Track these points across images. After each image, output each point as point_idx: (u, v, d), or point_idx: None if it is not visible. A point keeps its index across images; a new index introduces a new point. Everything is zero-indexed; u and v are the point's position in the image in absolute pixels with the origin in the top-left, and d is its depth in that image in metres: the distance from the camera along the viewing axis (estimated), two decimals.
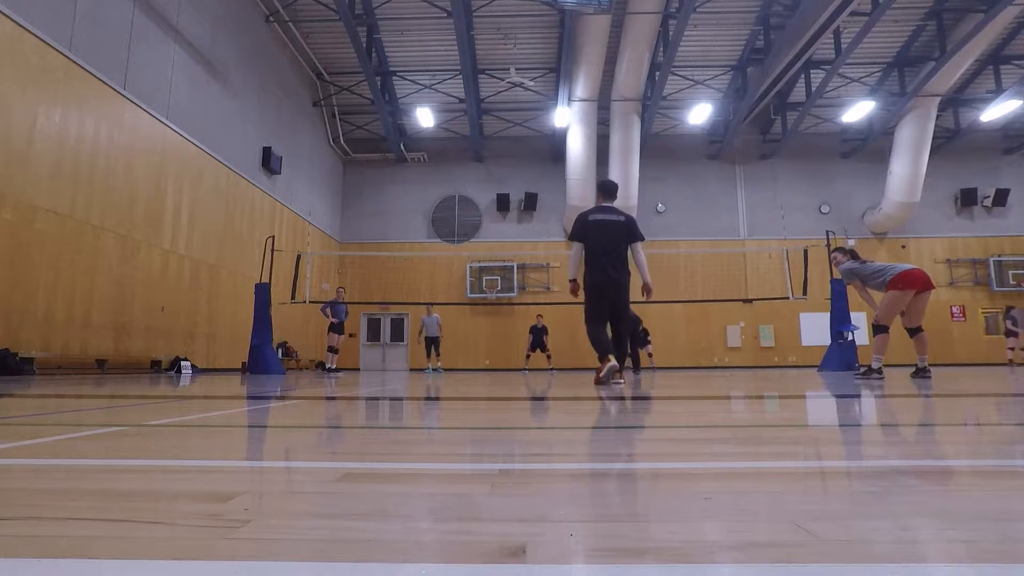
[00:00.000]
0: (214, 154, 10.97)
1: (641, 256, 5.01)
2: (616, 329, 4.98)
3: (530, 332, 14.34)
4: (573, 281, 5.15)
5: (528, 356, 14.31)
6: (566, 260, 17.36)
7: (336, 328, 11.65)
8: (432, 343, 13.73)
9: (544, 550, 0.58)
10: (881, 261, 6.08)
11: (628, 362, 14.57)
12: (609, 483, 0.95)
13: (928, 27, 14.40)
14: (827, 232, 10.98)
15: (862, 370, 5.88)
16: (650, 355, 13.64)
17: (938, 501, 0.79)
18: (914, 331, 5.79)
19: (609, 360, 4.55)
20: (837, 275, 10.37)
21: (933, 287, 5.74)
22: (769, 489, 0.88)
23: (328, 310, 11.68)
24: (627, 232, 4.95)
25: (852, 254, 6.20)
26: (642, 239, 5.02)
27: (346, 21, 11.68)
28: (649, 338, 13.49)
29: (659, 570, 0.53)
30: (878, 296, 5.90)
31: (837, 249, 6.47)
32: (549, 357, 14.29)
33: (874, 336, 5.85)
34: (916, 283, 5.61)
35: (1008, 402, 2.68)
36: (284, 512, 0.76)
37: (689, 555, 0.56)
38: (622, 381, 4.55)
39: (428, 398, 3.44)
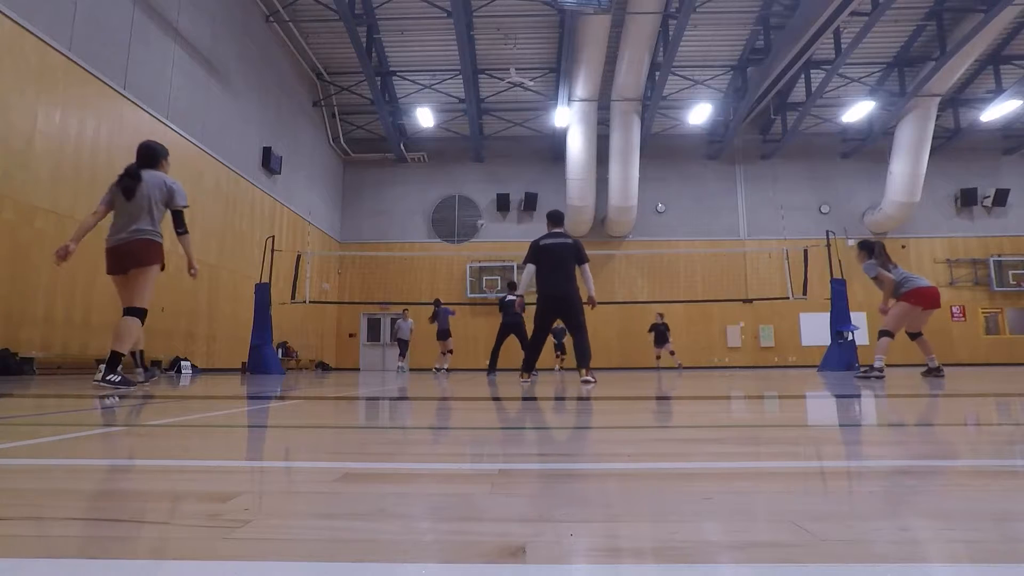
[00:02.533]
0: (214, 154, 10.97)
1: (587, 274, 5.62)
2: (575, 338, 5.47)
3: (552, 334, 15.49)
4: (520, 297, 5.92)
5: (559, 357, 15.28)
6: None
7: (440, 335, 12.54)
8: (403, 345, 14.12)
9: (544, 550, 0.58)
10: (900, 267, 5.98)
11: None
12: (609, 483, 0.95)
13: (928, 27, 14.39)
14: (827, 232, 10.98)
15: (863, 370, 5.93)
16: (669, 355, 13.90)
17: (938, 501, 0.79)
18: (914, 335, 5.91)
19: (527, 377, 5.61)
20: (837, 275, 10.41)
21: (940, 306, 5.85)
22: (769, 489, 0.88)
23: (435, 320, 12.57)
24: (574, 254, 5.57)
25: (871, 251, 6.04)
26: (587, 261, 5.62)
27: (346, 21, 11.68)
28: (672, 339, 13.92)
29: (659, 570, 0.53)
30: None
31: (863, 244, 6.27)
32: (562, 358, 15.18)
33: (878, 339, 5.90)
34: (929, 302, 5.75)
35: (1008, 402, 2.68)
36: (284, 512, 0.76)
37: (689, 555, 0.56)
38: (591, 380, 5.12)
39: (428, 398, 3.44)
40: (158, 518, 0.71)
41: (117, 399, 2.99)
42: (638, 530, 0.66)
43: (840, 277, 10.33)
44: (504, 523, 0.68)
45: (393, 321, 14.75)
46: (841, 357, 9.62)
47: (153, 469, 1.11)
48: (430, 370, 14.03)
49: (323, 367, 15.97)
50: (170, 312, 9.66)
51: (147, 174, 4.10)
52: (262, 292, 10.16)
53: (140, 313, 3.95)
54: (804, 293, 11.09)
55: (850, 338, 9.77)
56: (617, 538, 0.63)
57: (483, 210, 18.17)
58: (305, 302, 12.11)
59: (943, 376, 5.66)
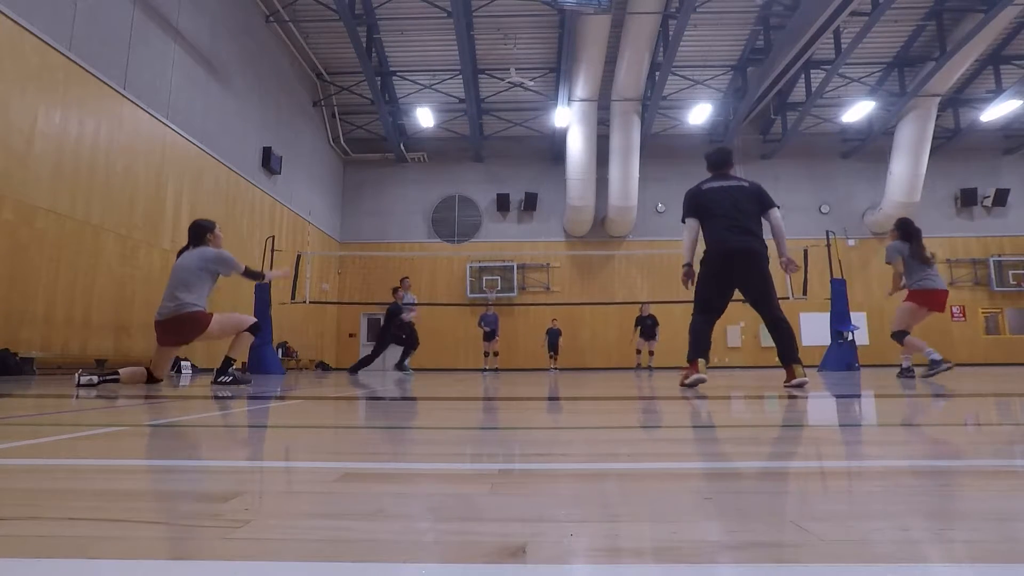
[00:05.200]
0: (214, 154, 10.97)
1: (780, 223, 4.10)
2: (769, 317, 3.96)
3: (547, 334, 15.14)
4: (687, 266, 4.26)
5: (553, 357, 15.08)
6: (565, 261, 17.61)
7: (485, 336, 13.80)
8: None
9: (544, 550, 0.58)
10: (924, 259, 5.88)
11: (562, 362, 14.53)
12: (609, 483, 0.95)
13: (928, 27, 14.39)
14: (827, 232, 10.98)
15: (926, 368, 5.79)
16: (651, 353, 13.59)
17: (938, 501, 0.79)
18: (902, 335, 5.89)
19: (698, 368, 3.94)
20: (837, 275, 10.40)
21: (942, 311, 5.80)
22: (769, 489, 0.88)
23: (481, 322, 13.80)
24: (756, 198, 4.10)
25: (903, 234, 5.91)
26: (776, 205, 4.12)
27: (346, 21, 11.68)
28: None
29: (659, 570, 0.53)
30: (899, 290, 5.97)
31: (900, 223, 6.08)
32: (555, 358, 14.96)
33: (899, 341, 5.90)
34: (933, 305, 5.75)
35: (1008, 402, 2.68)
36: (284, 512, 0.76)
37: (689, 555, 0.56)
38: (805, 379, 3.75)
39: (428, 398, 3.44)
40: (158, 518, 0.71)
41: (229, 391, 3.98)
42: (638, 530, 0.66)
43: (840, 277, 10.33)
44: (504, 523, 0.68)
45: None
46: (841, 357, 9.62)
47: (153, 469, 1.11)
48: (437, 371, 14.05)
49: (323, 367, 15.97)
50: None
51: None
52: (262, 292, 10.16)
53: (254, 328, 4.93)
54: (804, 293, 11.07)
55: (850, 338, 9.77)
56: (617, 538, 0.63)
57: (483, 210, 18.17)
58: (305, 302, 12.10)
59: (913, 376, 5.68)
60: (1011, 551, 0.58)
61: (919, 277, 5.78)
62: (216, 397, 3.32)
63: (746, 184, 4.19)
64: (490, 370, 13.46)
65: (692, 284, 4.27)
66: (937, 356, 5.65)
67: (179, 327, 4.50)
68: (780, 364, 3.85)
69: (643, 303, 13.71)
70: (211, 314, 4.66)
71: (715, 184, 4.24)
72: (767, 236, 4.12)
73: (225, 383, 4.32)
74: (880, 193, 17.05)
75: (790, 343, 3.84)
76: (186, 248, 4.76)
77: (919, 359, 5.85)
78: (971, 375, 6.81)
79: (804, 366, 3.84)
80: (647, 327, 13.32)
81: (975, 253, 17.52)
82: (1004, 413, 2.21)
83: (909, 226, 6.00)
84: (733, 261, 3.99)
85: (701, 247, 4.29)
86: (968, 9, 13.20)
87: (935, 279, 5.82)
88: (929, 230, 17.79)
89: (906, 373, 5.82)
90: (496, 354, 13.96)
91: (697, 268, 4.22)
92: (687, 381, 3.96)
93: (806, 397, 3.10)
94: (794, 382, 3.70)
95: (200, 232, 4.79)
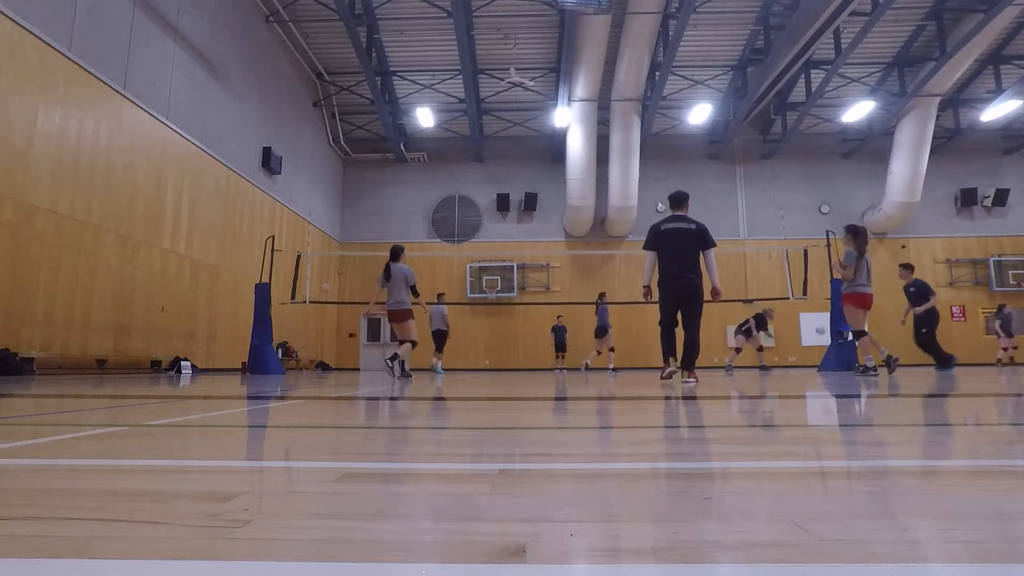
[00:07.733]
0: (214, 154, 10.97)
1: (712, 263, 5.34)
2: (687, 330, 5.26)
3: (552, 332, 14.72)
4: (646, 287, 5.60)
5: (559, 357, 14.63)
6: (565, 261, 17.60)
7: (598, 332, 12.66)
8: (439, 338, 11.87)
9: (544, 550, 0.58)
10: (869, 266, 6.79)
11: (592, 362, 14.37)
12: (609, 483, 0.95)
13: (928, 27, 14.40)
14: (827, 232, 10.98)
15: (860, 369, 6.59)
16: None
17: (938, 501, 0.79)
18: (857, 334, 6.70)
19: (669, 364, 5.36)
20: (837, 275, 10.40)
21: (870, 308, 6.65)
22: (769, 489, 0.88)
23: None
24: (699, 239, 5.33)
25: (855, 236, 6.70)
26: (714, 245, 5.38)
27: (346, 21, 11.68)
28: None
29: (659, 570, 0.53)
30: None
31: (850, 227, 6.88)
32: (562, 357, 14.59)
33: (857, 340, 6.72)
34: (860, 304, 6.61)
35: (1007, 402, 2.68)
36: (284, 512, 0.76)
37: (689, 555, 0.56)
38: (692, 380, 4.87)
39: (428, 398, 3.44)
40: (158, 518, 0.71)
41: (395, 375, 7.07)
42: (638, 530, 0.66)
43: (840, 277, 10.32)
44: (504, 523, 0.68)
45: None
46: (841, 357, 9.62)
47: (153, 469, 1.11)
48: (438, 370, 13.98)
49: (323, 367, 15.97)
50: (170, 312, 9.66)
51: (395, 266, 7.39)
52: (262, 292, 10.16)
53: (412, 343, 7.40)
54: (804, 293, 11.08)
55: (850, 338, 9.76)
56: (617, 538, 0.63)
57: (483, 210, 18.18)
58: (305, 302, 12.10)
59: (877, 376, 6.25)
60: (1011, 551, 0.58)
61: (852, 284, 6.64)
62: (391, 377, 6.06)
63: (693, 227, 5.36)
64: (613, 369, 12.38)
65: (651, 299, 5.62)
66: (871, 364, 6.50)
67: (400, 315, 7.33)
68: (683, 368, 5.15)
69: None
70: (411, 311, 7.39)
71: (670, 226, 5.41)
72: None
73: (390, 364, 7.04)
74: (880, 193, 17.06)
75: (691, 357, 5.15)
76: (388, 263, 7.44)
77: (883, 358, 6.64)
78: (971, 375, 6.81)
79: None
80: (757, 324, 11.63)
81: (975, 253, 17.52)
82: (1003, 413, 2.21)
83: (858, 230, 6.82)
84: (675, 292, 5.32)
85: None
86: (968, 9, 13.20)
87: (859, 284, 6.64)
88: (929, 230, 17.95)
89: (870, 372, 6.41)
90: (611, 350, 12.48)
91: (655, 289, 5.57)
92: (664, 375, 5.34)
93: (690, 397, 3.09)
94: (689, 379, 4.90)
95: (397, 252, 7.54)
